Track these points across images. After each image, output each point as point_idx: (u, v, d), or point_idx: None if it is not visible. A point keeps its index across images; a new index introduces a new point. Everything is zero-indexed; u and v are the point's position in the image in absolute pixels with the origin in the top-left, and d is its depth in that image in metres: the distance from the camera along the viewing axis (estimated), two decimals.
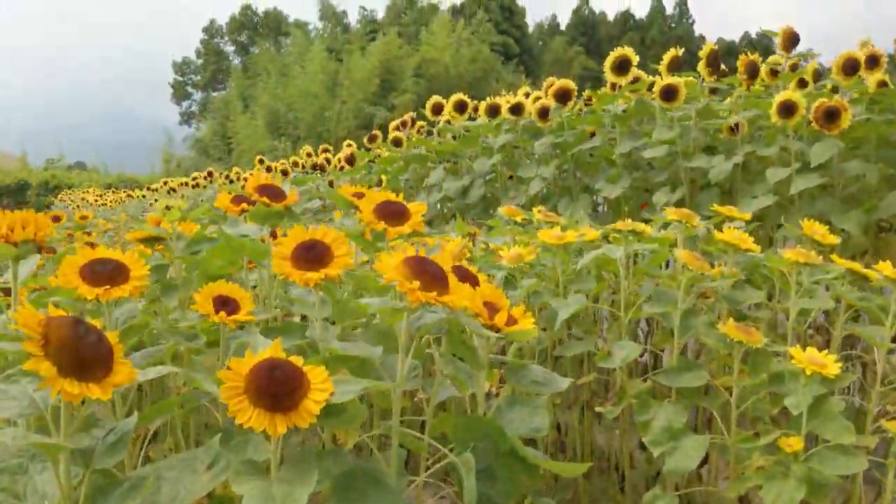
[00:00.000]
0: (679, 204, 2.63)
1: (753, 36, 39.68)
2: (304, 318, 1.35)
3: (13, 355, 0.77)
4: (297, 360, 0.78)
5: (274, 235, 1.49)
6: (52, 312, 0.75)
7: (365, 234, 1.24)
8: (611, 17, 45.92)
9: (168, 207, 1.13)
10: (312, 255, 0.93)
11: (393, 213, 1.09)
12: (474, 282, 1.05)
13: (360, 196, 1.26)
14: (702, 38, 45.01)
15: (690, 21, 45.21)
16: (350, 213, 1.30)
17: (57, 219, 4.02)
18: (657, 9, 44.41)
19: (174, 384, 1.15)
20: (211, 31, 47.89)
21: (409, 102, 26.12)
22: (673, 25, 44.33)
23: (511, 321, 0.93)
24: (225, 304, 0.97)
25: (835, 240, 1.46)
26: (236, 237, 1.14)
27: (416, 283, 0.80)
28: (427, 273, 0.83)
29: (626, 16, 45.25)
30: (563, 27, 45.75)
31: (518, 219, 1.86)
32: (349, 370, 0.93)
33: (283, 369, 0.75)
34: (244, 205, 1.25)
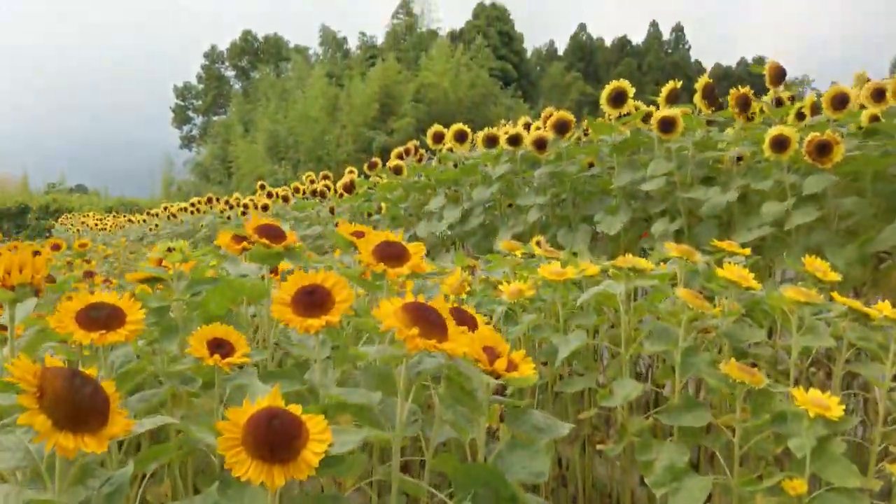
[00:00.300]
0: (678, 234, 2.64)
1: (749, 61, 40.11)
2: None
3: (9, 408, 0.76)
4: (295, 409, 0.77)
5: (274, 272, 1.49)
6: (49, 362, 0.74)
7: (364, 274, 1.24)
8: (608, 42, 46.41)
9: (170, 249, 1.13)
10: (313, 300, 0.93)
11: (392, 255, 1.09)
12: (473, 324, 1.05)
13: (359, 235, 1.26)
14: (698, 64, 45.52)
15: (687, 47, 45.71)
16: (349, 251, 1.30)
17: (57, 247, 4.02)
18: (654, 35, 44.93)
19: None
20: (212, 56, 48.36)
21: (408, 127, 26.31)
22: (669, 51, 44.81)
23: (511, 366, 0.93)
24: (219, 346, 0.97)
25: (836, 277, 1.46)
26: (236, 278, 1.14)
27: (415, 331, 0.80)
28: (426, 320, 0.83)
29: (623, 42, 45.74)
30: (560, 53, 46.23)
31: (518, 253, 1.86)
32: (349, 414, 0.92)
33: (282, 419, 0.74)
34: (245, 243, 1.25)
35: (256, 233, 1.14)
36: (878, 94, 2.19)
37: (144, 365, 0.97)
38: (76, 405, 0.70)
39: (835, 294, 1.37)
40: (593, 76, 41.83)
